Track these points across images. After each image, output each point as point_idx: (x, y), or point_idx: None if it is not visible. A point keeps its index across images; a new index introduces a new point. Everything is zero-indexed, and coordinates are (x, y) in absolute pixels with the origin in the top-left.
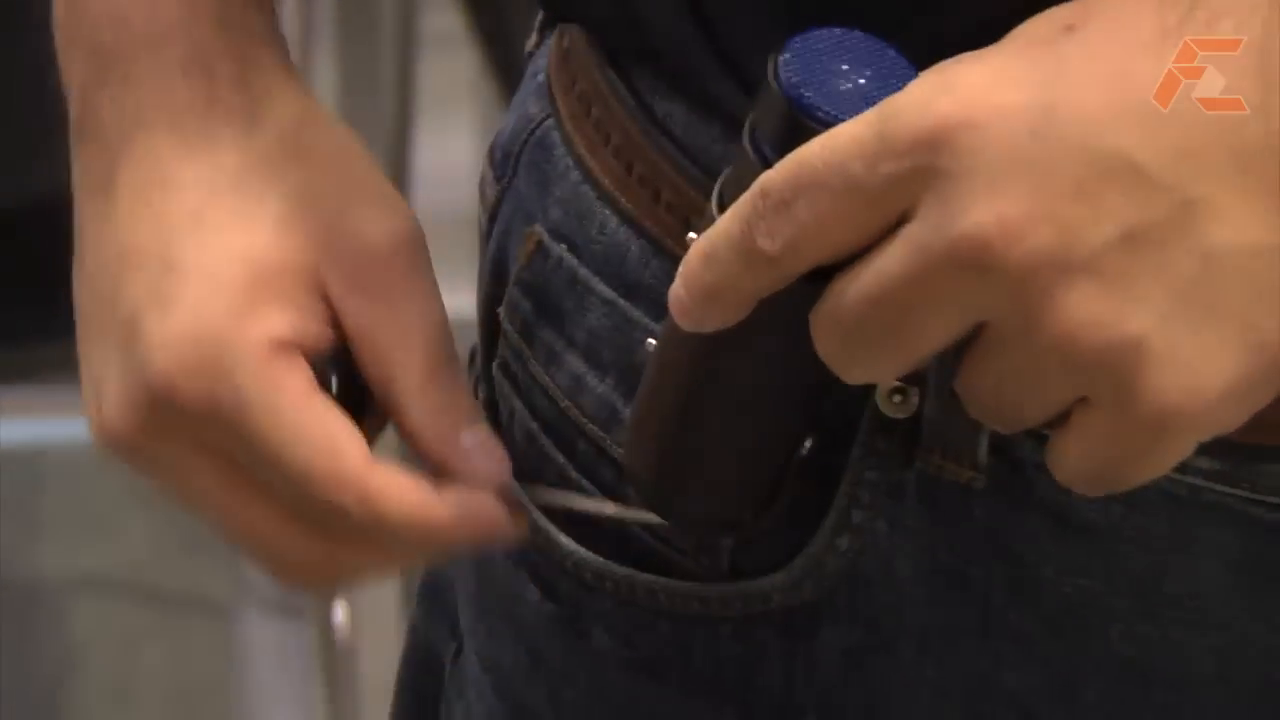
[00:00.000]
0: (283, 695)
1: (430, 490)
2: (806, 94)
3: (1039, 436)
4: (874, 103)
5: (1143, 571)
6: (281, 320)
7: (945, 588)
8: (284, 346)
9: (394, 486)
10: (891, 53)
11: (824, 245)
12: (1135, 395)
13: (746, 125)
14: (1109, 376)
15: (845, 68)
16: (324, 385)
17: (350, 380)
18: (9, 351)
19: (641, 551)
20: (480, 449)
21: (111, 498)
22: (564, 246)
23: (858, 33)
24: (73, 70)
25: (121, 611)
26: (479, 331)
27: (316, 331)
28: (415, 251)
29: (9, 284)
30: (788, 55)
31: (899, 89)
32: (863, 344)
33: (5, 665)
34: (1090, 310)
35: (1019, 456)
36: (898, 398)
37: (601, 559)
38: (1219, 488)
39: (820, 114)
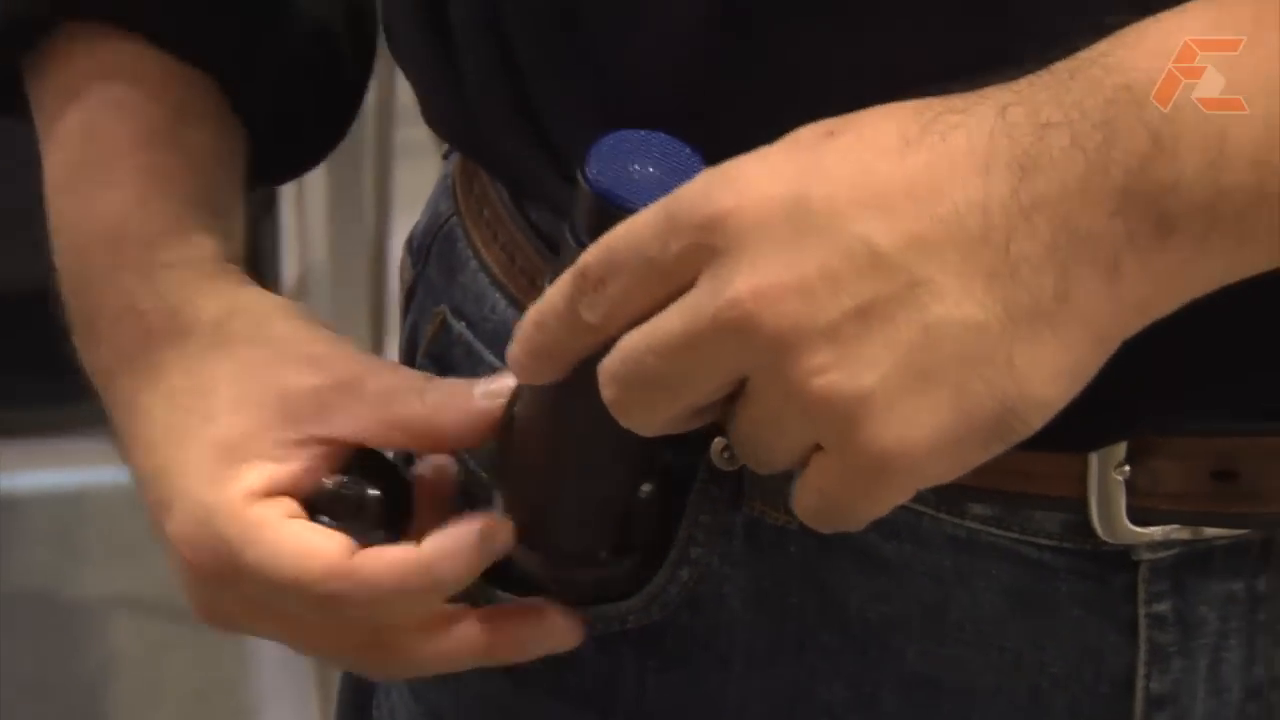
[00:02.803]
0: (285, 695)
1: (409, 547)
2: (608, 186)
3: None
4: (668, 190)
5: (932, 601)
6: (254, 475)
7: (768, 612)
8: (261, 494)
9: (371, 559)
10: (686, 150)
11: (631, 313)
12: (856, 441)
13: (568, 220)
14: (836, 423)
15: (644, 163)
16: (358, 501)
17: (390, 482)
18: (54, 409)
19: (520, 578)
20: (489, 387)
21: (142, 530)
22: (463, 324)
23: (659, 134)
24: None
25: (151, 626)
26: None
27: (301, 470)
28: (353, 369)
29: (54, 348)
30: (594, 155)
31: (689, 180)
32: (639, 390)
33: (52, 671)
34: (824, 367)
35: None
36: (727, 454)
37: (484, 583)
38: (993, 530)
39: (620, 203)
